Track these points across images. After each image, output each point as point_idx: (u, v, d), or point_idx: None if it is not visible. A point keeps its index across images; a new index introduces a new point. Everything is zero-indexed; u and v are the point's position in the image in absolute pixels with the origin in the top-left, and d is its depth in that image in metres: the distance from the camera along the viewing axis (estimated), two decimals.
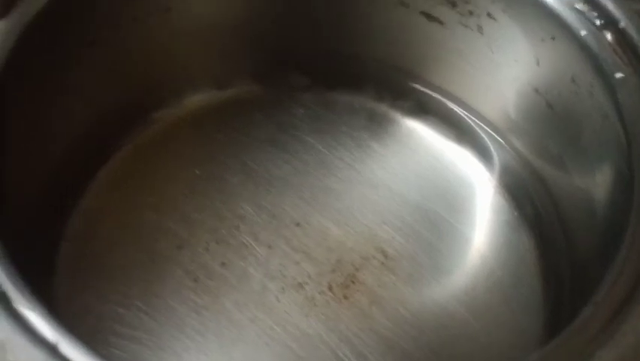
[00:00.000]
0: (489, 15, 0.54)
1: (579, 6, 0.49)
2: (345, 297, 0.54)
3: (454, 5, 0.55)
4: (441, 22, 0.57)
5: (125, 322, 0.52)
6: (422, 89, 0.62)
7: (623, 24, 0.48)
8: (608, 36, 0.48)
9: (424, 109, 0.62)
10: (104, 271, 0.54)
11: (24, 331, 0.36)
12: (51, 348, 0.35)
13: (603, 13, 0.49)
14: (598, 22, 0.48)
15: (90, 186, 0.57)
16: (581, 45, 0.49)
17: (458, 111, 0.62)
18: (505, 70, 0.56)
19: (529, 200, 0.58)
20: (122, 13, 0.54)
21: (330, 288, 0.54)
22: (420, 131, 0.62)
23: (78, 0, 0.50)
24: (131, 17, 0.54)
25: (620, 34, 0.48)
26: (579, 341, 0.37)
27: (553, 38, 0.51)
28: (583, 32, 0.49)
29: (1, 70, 0.45)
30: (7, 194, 0.46)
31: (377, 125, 0.62)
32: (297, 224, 0.57)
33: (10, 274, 0.38)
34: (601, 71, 0.47)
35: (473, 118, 0.61)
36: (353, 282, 0.54)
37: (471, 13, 0.55)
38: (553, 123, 0.54)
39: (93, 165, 0.58)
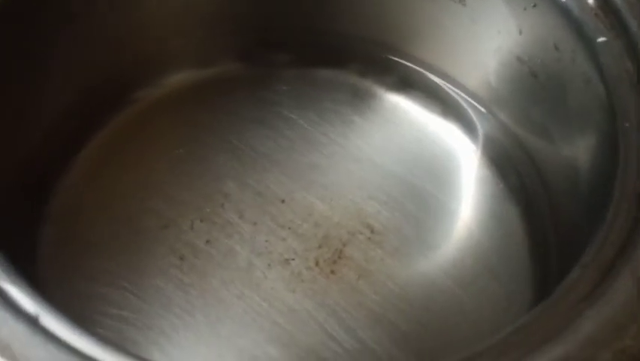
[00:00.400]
0: None
1: None
2: (333, 272, 0.53)
3: None
4: None
5: (111, 301, 0.51)
6: (405, 63, 0.62)
7: None
8: (590, 1, 0.48)
9: (407, 83, 0.62)
10: (88, 251, 0.53)
11: (4, 304, 0.35)
12: (32, 321, 0.35)
13: None
14: None
15: (72, 166, 0.57)
16: (563, 10, 0.49)
17: (441, 84, 0.61)
18: (487, 41, 0.56)
19: (514, 170, 0.58)
20: None
21: (317, 263, 0.54)
22: (403, 106, 0.62)
23: None
24: None
25: None
26: (567, 302, 0.36)
27: (534, 6, 0.51)
28: None
29: None
30: None
31: (360, 100, 0.62)
32: (283, 201, 0.56)
33: None
34: (583, 36, 0.47)
35: (457, 90, 0.61)
36: (340, 257, 0.54)
37: None
38: (536, 92, 0.54)
39: (74, 145, 0.57)
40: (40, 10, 0.49)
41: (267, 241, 0.54)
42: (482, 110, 0.60)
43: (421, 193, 0.57)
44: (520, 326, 0.36)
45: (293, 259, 0.54)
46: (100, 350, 0.34)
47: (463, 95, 0.61)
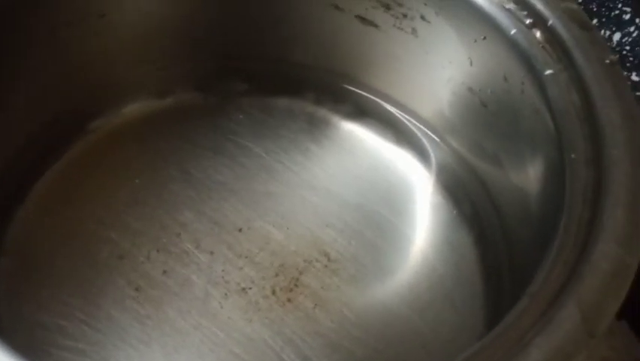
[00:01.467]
0: (422, 18, 0.55)
1: (509, 5, 0.50)
2: (289, 300, 0.54)
3: (388, 8, 0.56)
4: (376, 26, 0.58)
5: (67, 334, 0.51)
6: (360, 92, 0.63)
7: (551, 22, 0.49)
8: (537, 34, 0.49)
9: (362, 112, 0.63)
10: (44, 283, 0.53)
11: None
12: None
13: (532, 11, 0.50)
14: (527, 21, 0.49)
15: (28, 197, 0.57)
16: (512, 43, 0.50)
17: (395, 113, 0.62)
18: (439, 71, 0.57)
19: (467, 198, 0.59)
20: (53, 18, 0.53)
21: (273, 292, 0.54)
22: (358, 134, 0.62)
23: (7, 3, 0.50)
24: (65, 22, 0.54)
25: (549, 32, 0.49)
26: (516, 331, 0.37)
27: (484, 38, 0.52)
28: (513, 31, 0.50)
29: None
30: None
31: (316, 128, 0.62)
32: (239, 229, 0.57)
33: None
34: (531, 69, 0.49)
35: (410, 119, 0.62)
36: (297, 285, 0.54)
37: (405, 16, 0.56)
38: (487, 121, 0.55)
39: (31, 175, 0.57)
40: (2, 35, 0.49)
41: (223, 270, 0.55)
42: (436, 138, 0.61)
43: (376, 220, 0.58)
44: (470, 355, 0.37)
45: (250, 288, 0.54)
46: None
47: (416, 123, 0.62)
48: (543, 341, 0.36)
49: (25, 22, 0.52)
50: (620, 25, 0.62)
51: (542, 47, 0.48)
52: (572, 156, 0.44)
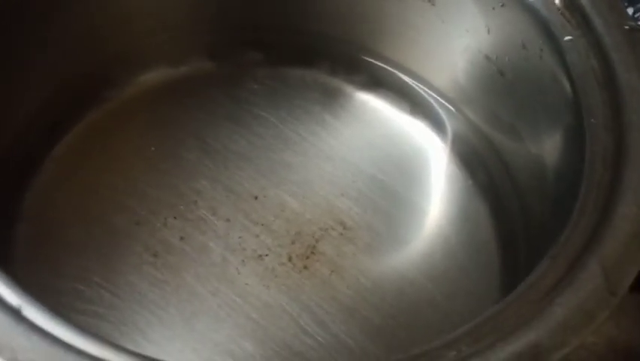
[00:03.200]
0: None
1: None
2: (306, 267, 0.54)
3: None
4: None
5: (85, 298, 0.51)
6: (375, 62, 0.63)
7: None
8: (556, 0, 0.49)
9: (377, 82, 0.63)
10: (61, 248, 0.53)
11: None
12: (15, 312, 0.35)
13: None
14: None
15: (45, 164, 0.57)
16: (530, 10, 0.50)
17: (411, 83, 0.62)
18: (456, 40, 0.57)
19: (483, 168, 0.59)
20: None
21: (290, 259, 0.54)
22: (373, 104, 0.63)
23: None
24: None
25: None
26: (537, 291, 0.37)
27: (502, 5, 0.52)
28: None
29: None
30: None
31: (331, 98, 0.63)
32: (255, 197, 0.57)
33: None
34: (550, 35, 0.49)
35: (426, 89, 0.62)
36: (313, 253, 0.55)
37: None
38: (504, 90, 0.55)
39: (47, 143, 0.57)
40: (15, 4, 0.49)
41: (240, 237, 0.55)
42: (451, 108, 0.61)
43: (391, 190, 0.58)
44: (492, 313, 0.37)
45: (266, 255, 0.54)
46: (82, 340, 0.34)
47: (432, 93, 0.62)
48: (565, 299, 0.36)
49: None
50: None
51: (561, 13, 0.48)
52: (592, 120, 0.44)
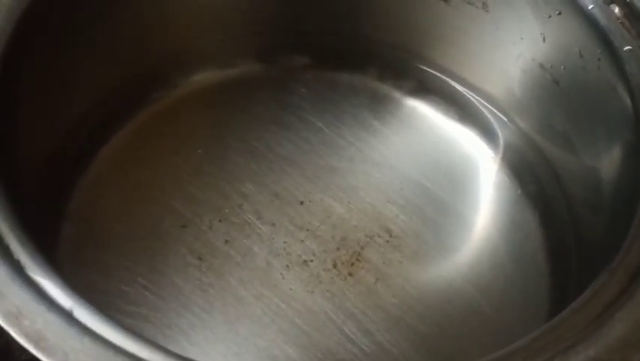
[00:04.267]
0: None
1: None
2: (350, 274, 0.53)
3: None
4: (445, 0, 0.57)
5: (129, 299, 0.51)
6: (425, 68, 0.62)
7: None
8: (616, 9, 0.48)
9: (426, 88, 0.62)
10: (107, 249, 0.53)
11: (39, 298, 0.35)
12: (67, 314, 0.35)
13: None
14: None
15: (93, 164, 0.57)
16: (588, 19, 0.49)
17: (461, 90, 0.62)
18: (509, 47, 0.56)
19: (533, 178, 0.58)
20: None
21: (334, 265, 0.54)
22: (422, 111, 0.62)
23: None
24: None
25: (628, 7, 0.48)
26: (596, 305, 0.37)
27: (559, 13, 0.51)
28: (590, 6, 0.49)
29: (7, 45, 0.45)
30: (14, 170, 0.45)
31: (379, 104, 0.62)
32: (301, 202, 0.56)
33: (23, 244, 0.37)
34: (609, 45, 0.48)
35: (476, 97, 0.61)
36: (358, 260, 0.54)
37: None
38: (559, 99, 0.54)
39: (96, 143, 0.57)
40: (68, 9, 0.50)
41: (285, 242, 0.54)
42: (502, 117, 0.60)
43: (438, 198, 0.58)
44: (550, 327, 0.36)
45: (311, 261, 0.54)
46: (133, 344, 0.34)
47: (482, 101, 0.61)
48: (626, 314, 0.36)
49: None
50: None
51: (620, 22, 0.48)
52: None
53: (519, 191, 0.58)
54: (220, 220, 0.55)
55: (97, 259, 0.53)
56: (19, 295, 0.35)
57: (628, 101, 0.46)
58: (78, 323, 0.34)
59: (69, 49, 0.51)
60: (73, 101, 0.54)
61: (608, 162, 0.49)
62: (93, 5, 0.52)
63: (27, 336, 0.34)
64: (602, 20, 0.48)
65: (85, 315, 0.35)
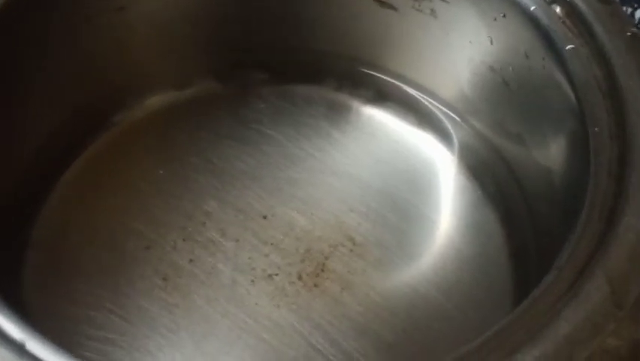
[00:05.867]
0: None
1: None
2: (316, 285, 0.54)
3: None
4: (394, 8, 0.58)
5: (96, 324, 0.51)
6: (380, 76, 0.63)
7: None
8: (557, 9, 0.49)
9: (382, 96, 0.63)
10: (72, 274, 0.53)
11: None
12: (18, 347, 0.35)
13: None
14: None
15: (54, 191, 0.57)
16: (532, 19, 0.49)
17: (416, 95, 0.62)
18: (460, 51, 0.57)
19: (492, 178, 0.59)
20: (73, 13, 0.53)
21: (300, 277, 0.54)
22: (380, 118, 0.62)
23: (28, 1, 0.50)
24: (84, 17, 0.54)
25: (569, 6, 0.48)
26: (544, 304, 0.37)
27: (504, 16, 0.52)
28: (532, 7, 0.49)
29: None
30: None
31: (337, 114, 0.62)
32: (264, 217, 0.57)
33: None
34: (552, 44, 0.48)
35: (431, 101, 0.62)
36: (323, 270, 0.54)
37: None
38: (509, 100, 0.55)
39: (56, 170, 0.58)
40: (15, 36, 0.50)
41: (249, 257, 0.55)
42: (457, 119, 0.61)
43: (400, 204, 0.58)
44: (499, 329, 0.37)
45: (276, 274, 0.54)
46: None
47: (438, 105, 0.61)
48: (571, 313, 0.36)
49: (44, 18, 0.52)
50: None
51: (562, 21, 0.48)
52: (596, 129, 0.43)
53: (479, 192, 0.58)
54: (184, 240, 0.55)
55: (62, 285, 0.53)
56: None
57: (573, 97, 0.46)
58: (30, 355, 0.34)
59: (21, 81, 0.52)
60: (28, 131, 0.55)
61: (558, 156, 0.50)
62: (34, 41, 0.52)
63: None
64: (544, 20, 0.49)
65: (37, 347, 0.35)
